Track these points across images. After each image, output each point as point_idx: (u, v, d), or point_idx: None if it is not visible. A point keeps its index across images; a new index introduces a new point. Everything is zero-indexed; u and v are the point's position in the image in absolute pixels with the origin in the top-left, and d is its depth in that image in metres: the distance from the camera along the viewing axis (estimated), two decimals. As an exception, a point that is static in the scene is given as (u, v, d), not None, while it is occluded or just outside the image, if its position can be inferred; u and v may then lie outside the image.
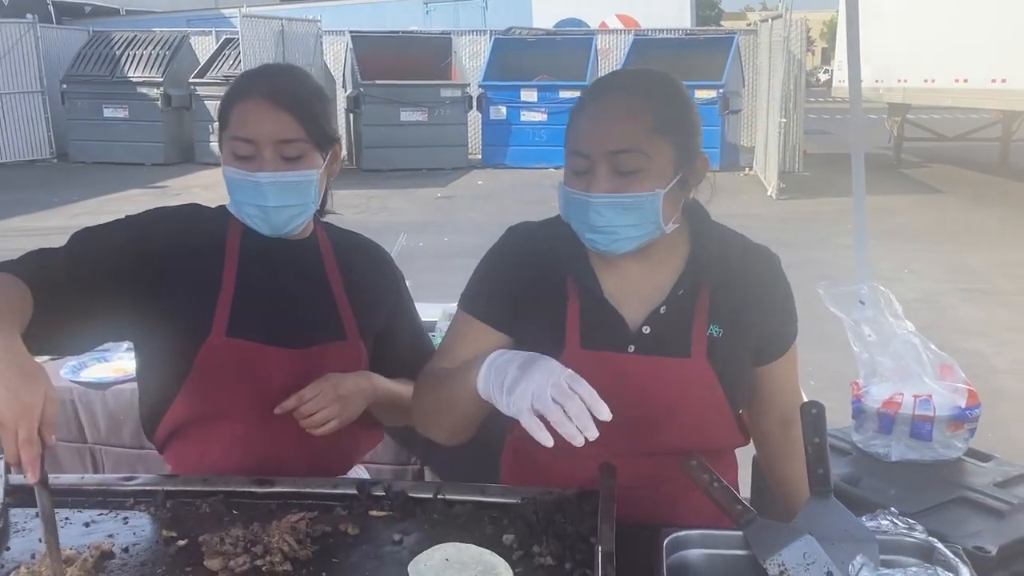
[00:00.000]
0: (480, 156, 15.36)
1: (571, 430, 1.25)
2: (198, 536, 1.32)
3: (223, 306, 1.70)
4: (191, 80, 15.13)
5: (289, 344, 1.72)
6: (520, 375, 1.32)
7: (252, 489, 1.49)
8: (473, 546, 1.30)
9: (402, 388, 1.81)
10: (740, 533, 1.33)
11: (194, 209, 1.83)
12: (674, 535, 1.33)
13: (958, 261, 8.31)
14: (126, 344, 2.89)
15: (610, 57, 16.34)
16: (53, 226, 10.22)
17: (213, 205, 1.84)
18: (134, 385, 1.99)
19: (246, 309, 1.71)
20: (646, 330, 1.54)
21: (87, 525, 1.38)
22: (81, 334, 1.63)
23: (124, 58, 15.50)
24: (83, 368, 3.00)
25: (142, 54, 15.53)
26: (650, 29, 17.26)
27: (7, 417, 1.19)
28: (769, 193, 11.93)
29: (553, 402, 1.27)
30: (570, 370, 1.31)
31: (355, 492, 1.46)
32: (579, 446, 1.25)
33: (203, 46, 16.71)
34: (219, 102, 1.76)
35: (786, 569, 1.27)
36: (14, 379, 1.22)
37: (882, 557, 1.28)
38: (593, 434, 1.25)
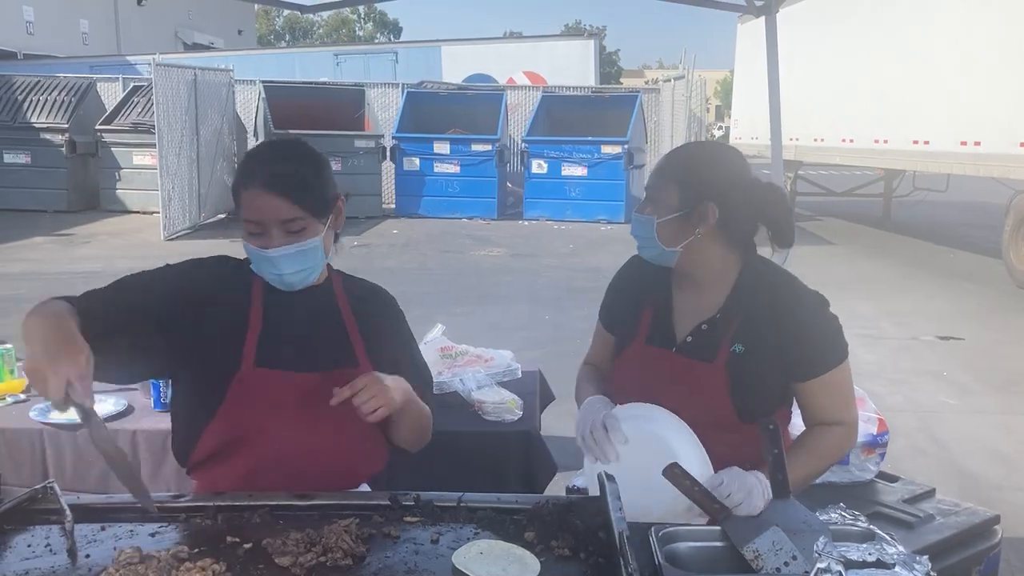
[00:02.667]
0: (394, 206, 15.57)
1: (597, 454, 1.94)
2: (260, 540, 1.51)
3: (251, 342, 1.94)
4: (98, 127, 14.92)
5: (309, 369, 1.95)
6: (580, 413, 2.07)
7: (294, 502, 1.68)
8: (502, 541, 1.54)
9: (422, 407, 2.08)
10: (719, 528, 1.60)
11: (223, 260, 2.08)
12: (664, 530, 1.60)
13: (849, 308, 8.87)
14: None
15: (519, 112, 16.85)
16: (-42, 274, 9.95)
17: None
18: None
19: (271, 343, 1.95)
20: (689, 339, 2.07)
21: (153, 535, 1.55)
22: (125, 364, 1.87)
23: (27, 103, 15.15)
24: (52, 409, 3.05)
25: (46, 99, 15.22)
26: (556, 86, 17.85)
27: (47, 368, 1.52)
28: (674, 244, 12.44)
29: (589, 433, 1.98)
30: (608, 412, 2.01)
31: (387, 503, 1.67)
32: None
33: (109, 93, 16.49)
34: (235, 176, 2.00)
35: (760, 554, 1.54)
36: (59, 343, 1.57)
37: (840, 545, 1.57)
38: (612, 457, 1.91)
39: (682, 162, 2.11)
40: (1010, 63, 9.60)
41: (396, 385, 1.89)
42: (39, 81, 15.62)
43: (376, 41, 53.42)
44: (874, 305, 9.07)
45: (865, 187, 17.07)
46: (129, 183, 14.94)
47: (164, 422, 2.22)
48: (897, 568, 1.43)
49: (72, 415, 2.95)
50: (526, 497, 1.71)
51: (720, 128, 47.50)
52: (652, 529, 1.60)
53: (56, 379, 1.52)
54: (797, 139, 15.25)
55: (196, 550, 1.49)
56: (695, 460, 1.86)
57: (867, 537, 1.59)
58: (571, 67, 20.40)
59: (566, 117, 15.46)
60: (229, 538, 1.54)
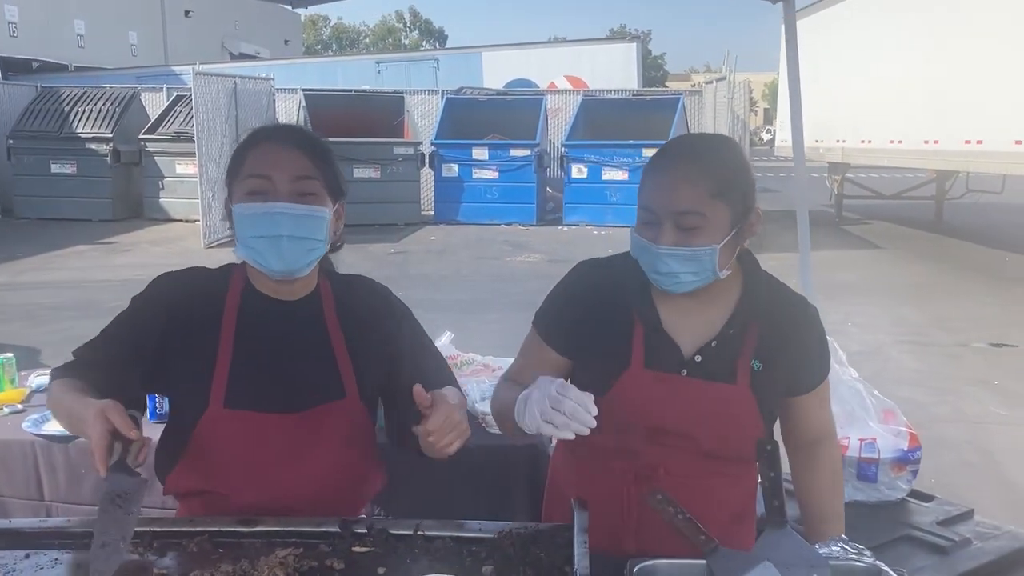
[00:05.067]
0: (432, 212, 15.52)
1: (575, 427, 1.54)
2: (188, 572, 1.37)
3: (220, 378, 1.72)
4: (141, 136, 15.11)
5: (287, 408, 1.74)
6: (524, 402, 1.62)
7: (237, 528, 1.54)
8: (454, 577, 1.38)
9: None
10: (704, 562, 1.43)
11: (194, 273, 1.86)
12: (641, 564, 1.42)
13: (897, 314, 8.58)
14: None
15: (559, 116, 16.71)
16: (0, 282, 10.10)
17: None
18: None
19: (244, 378, 1.73)
20: (698, 359, 1.79)
21: (79, 566, 1.42)
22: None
23: (73, 114, 15.43)
24: (45, 421, 2.97)
25: (91, 110, 15.48)
26: (598, 90, 17.66)
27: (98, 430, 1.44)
28: (716, 248, 12.19)
29: (552, 410, 1.55)
30: (560, 380, 1.60)
31: (338, 530, 1.52)
32: (586, 434, 1.54)
33: (154, 102, 16.73)
34: (234, 151, 1.82)
35: (747, 594, 1.36)
36: (79, 414, 1.52)
37: (833, 581, 1.39)
38: (591, 424, 1.54)
39: (717, 172, 1.73)
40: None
41: (462, 407, 1.68)
42: (85, 92, 15.92)
43: (421, 49, 53.75)
44: (922, 310, 8.74)
45: (915, 189, 16.61)
46: (172, 192, 15.12)
47: (158, 433, 2.07)
48: (902, 614, 1.25)
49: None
50: (491, 525, 1.55)
51: (768, 131, 46.94)
52: (629, 563, 1.43)
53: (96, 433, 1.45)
54: (844, 141, 14.88)
55: (117, 584, 1.35)
56: None
57: (872, 575, 1.40)
58: (614, 71, 20.20)
59: (606, 121, 15.28)
60: (157, 571, 1.40)
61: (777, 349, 1.81)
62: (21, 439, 2.94)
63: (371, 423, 1.87)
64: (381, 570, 1.42)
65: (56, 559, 1.46)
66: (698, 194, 1.69)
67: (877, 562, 1.43)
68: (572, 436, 1.56)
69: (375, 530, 1.52)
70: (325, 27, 63.12)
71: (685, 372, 1.78)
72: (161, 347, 1.74)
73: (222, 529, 1.54)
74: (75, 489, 2.91)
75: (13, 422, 3.05)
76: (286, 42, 38.53)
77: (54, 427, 2.93)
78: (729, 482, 1.86)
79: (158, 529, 1.54)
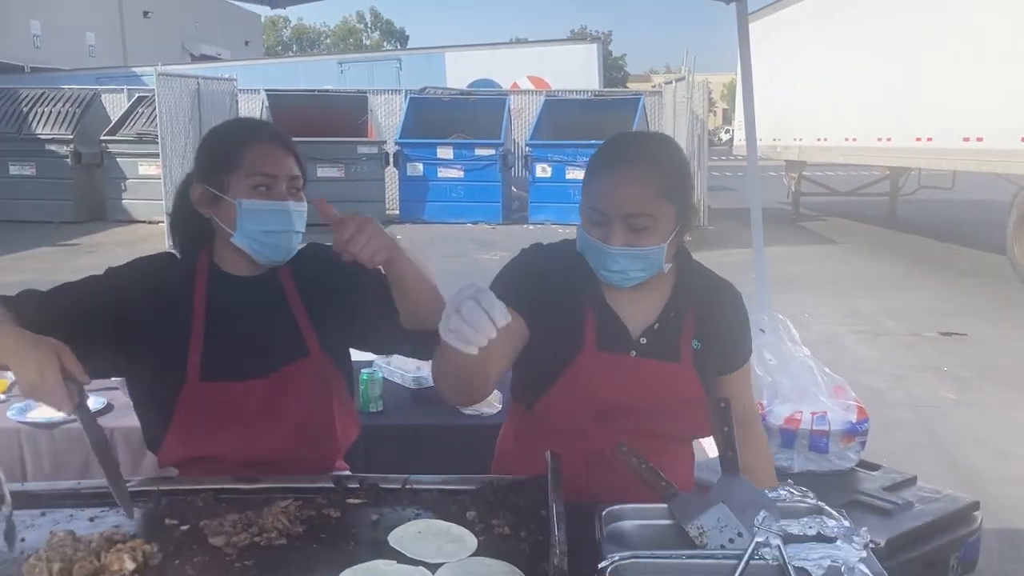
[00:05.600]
0: (398, 211, 15.60)
1: (468, 334, 1.38)
2: (198, 522, 1.50)
3: (194, 354, 1.88)
4: (103, 137, 14.98)
5: (257, 374, 1.90)
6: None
7: (239, 485, 1.67)
8: (441, 521, 1.52)
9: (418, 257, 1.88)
10: (666, 506, 1.58)
11: (166, 258, 2.02)
12: (609, 509, 1.58)
13: (851, 306, 8.85)
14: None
15: (523, 116, 16.86)
16: (-38, 284, 10.01)
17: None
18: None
19: (216, 351, 1.89)
20: (643, 341, 1.90)
21: (92, 520, 1.55)
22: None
23: (32, 115, 15.25)
24: (29, 409, 3.06)
25: (51, 111, 15.32)
26: (560, 90, 17.84)
27: (33, 378, 1.46)
28: (677, 245, 12.39)
29: (453, 311, 1.40)
30: (479, 287, 1.44)
31: (332, 485, 1.66)
32: (483, 343, 1.40)
33: (114, 103, 16.58)
34: (218, 144, 1.98)
35: (704, 531, 1.52)
36: (26, 347, 1.50)
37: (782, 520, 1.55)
38: (491, 332, 1.39)
39: (664, 173, 1.82)
40: (1010, 58, 9.54)
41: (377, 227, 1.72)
42: (44, 93, 15.73)
43: (383, 50, 53.65)
44: (876, 302, 9.02)
45: (870, 186, 17.02)
46: (135, 193, 15.01)
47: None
48: (838, 542, 1.41)
49: (51, 414, 3.01)
50: (473, 478, 1.70)
51: (727, 131, 47.54)
52: (599, 507, 1.58)
53: (51, 371, 1.48)
54: (800, 139, 15.22)
55: (132, 533, 1.48)
56: None
57: (814, 512, 1.57)
58: (575, 72, 20.39)
59: (569, 121, 15.43)
60: (168, 521, 1.53)
61: (713, 329, 1.95)
62: (5, 427, 3.01)
63: (340, 375, 2.04)
64: (375, 516, 1.56)
65: (71, 515, 1.58)
66: (647, 196, 1.78)
67: (819, 502, 1.59)
68: (472, 348, 1.40)
69: (367, 484, 1.66)
70: (285, 28, 62.83)
71: (634, 353, 1.89)
72: (132, 323, 1.85)
73: (225, 486, 1.66)
74: (60, 474, 2.99)
75: (-3, 412, 3.13)
76: (247, 43, 38.33)
77: (38, 415, 3.03)
78: (670, 460, 1.95)
79: (166, 488, 1.66)
